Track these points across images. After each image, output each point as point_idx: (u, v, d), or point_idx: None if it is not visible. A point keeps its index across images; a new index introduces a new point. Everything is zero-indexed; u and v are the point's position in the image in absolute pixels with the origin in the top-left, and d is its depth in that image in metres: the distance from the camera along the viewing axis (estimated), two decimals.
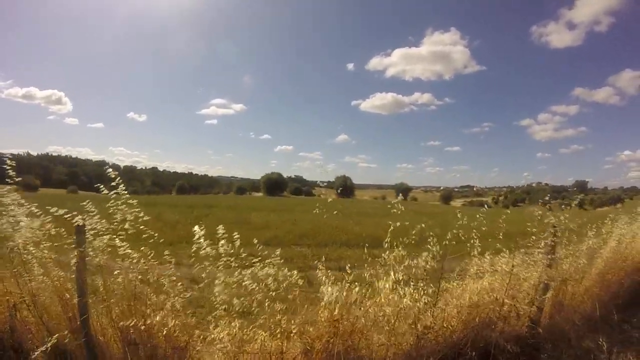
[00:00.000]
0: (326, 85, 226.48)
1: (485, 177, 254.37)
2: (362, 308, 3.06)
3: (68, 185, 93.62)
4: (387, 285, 3.10)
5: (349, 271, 3.13)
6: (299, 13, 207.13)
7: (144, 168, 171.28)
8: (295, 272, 2.93)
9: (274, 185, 74.52)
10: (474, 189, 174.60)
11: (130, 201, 3.01)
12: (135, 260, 2.88)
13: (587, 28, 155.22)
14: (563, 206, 5.04)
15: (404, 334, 3.22)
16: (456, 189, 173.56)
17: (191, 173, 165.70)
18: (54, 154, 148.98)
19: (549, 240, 3.93)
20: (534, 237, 3.97)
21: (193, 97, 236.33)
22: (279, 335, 2.87)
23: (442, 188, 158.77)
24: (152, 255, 2.96)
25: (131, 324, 2.74)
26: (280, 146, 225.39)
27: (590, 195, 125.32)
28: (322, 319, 2.99)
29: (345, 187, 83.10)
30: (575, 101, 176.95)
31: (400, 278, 3.12)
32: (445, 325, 3.40)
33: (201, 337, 3.00)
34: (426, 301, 3.21)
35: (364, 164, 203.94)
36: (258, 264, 2.86)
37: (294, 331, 2.92)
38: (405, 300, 3.08)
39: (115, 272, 2.91)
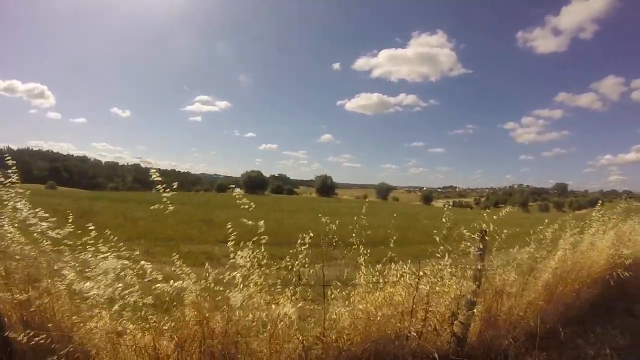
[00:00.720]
0: (312, 84, 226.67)
1: (468, 179, 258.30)
2: (240, 312, 2.81)
3: (53, 180, 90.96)
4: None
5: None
6: (286, 12, 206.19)
7: (126, 164, 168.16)
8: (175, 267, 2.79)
9: (254, 183, 73.71)
10: (457, 189, 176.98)
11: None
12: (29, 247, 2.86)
13: (572, 34, 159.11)
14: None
15: (289, 341, 2.94)
16: (439, 190, 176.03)
17: (174, 170, 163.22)
18: (35, 148, 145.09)
19: (476, 248, 3.49)
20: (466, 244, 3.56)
21: (178, 94, 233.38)
22: (152, 331, 2.77)
23: (425, 189, 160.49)
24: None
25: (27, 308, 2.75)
26: (265, 144, 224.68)
27: (570, 198, 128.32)
28: (189, 318, 2.83)
29: (325, 186, 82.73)
30: (558, 106, 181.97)
31: (260, 282, 2.81)
32: (337, 338, 3.06)
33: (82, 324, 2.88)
34: (312, 308, 3.00)
35: (348, 163, 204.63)
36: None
37: (165, 327, 2.81)
38: (285, 308, 2.79)
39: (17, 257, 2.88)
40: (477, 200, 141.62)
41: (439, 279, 3.39)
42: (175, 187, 3.11)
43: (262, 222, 2.86)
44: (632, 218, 6.77)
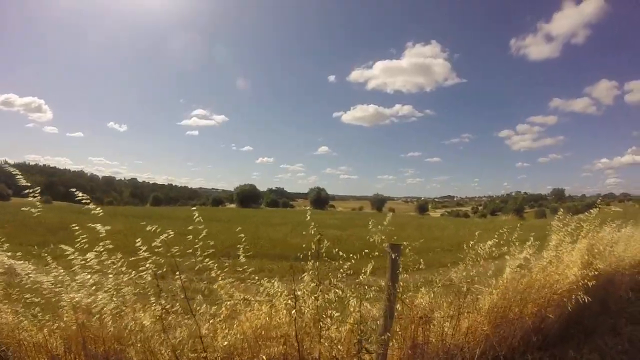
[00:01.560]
0: (308, 96, 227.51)
1: (466, 187, 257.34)
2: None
3: (45, 195, 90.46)
4: None
5: None
6: (281, 25, 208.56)
7: (122, 179, 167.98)
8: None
9: (247, 196, 73.25)
10: (455, 199, 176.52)
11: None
12: None
13: (564, 40, 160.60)
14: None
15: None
16: (437, 199, 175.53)
17: (171, 184, 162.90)
18: (31, 162, 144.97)
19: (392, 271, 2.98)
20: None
21: (175, 108, 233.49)
22: (43, 330, 2.83)
23: (422, 199, 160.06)
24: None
25: None
26: (262, 158, 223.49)
27: (567, 203, 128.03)
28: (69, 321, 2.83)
29: (319, 199, 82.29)
30: (553, 112, 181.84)
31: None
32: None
33: None
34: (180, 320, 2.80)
35: (345, 175, 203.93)
36: None
37: (54, 327, 2.84)
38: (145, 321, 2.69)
39: None
40: (475, 209, 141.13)
41: (335, 298, 2.91)
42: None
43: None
44: (611, 224, 6.08)
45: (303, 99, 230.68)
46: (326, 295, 2.84)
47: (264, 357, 2.71)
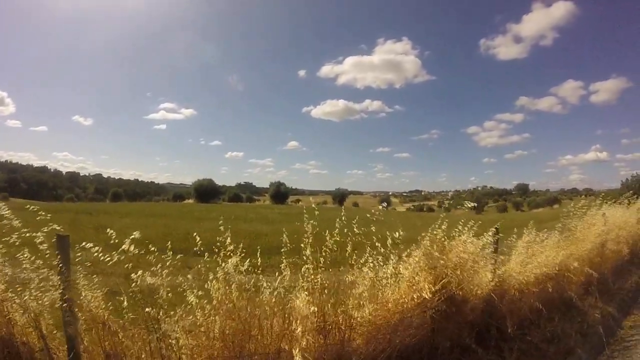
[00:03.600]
0: (277, 91, 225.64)
1: (434, 182, 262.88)
2: None
3: (6, 192, 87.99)
4: None
5: None
6: (251, 19, 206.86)
7: (87, 175, 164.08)
8: None
9: (206, 192, 74.11)
10: (422, 193, 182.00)
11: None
12: None
13: (532, 42, 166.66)
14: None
15: None
16: (405, 194, 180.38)
17: (137, 180, 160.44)
18: None
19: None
20: None
21: (141, 101, 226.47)
22: None
23: (390, 193, 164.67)
24: None
25: None
26: (231, 152, 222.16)
27: (532, 197, 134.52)
28: None
29: (279, 194, 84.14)
30: (520, 110, 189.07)
31: None
32: None
33: None
34: None
35: (315, 170, 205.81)
36: None
37: None
38: None
39: None
40: (441, 203, 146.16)
41: None
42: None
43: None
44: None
45: (272, 94, 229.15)
46: None
47: None
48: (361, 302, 3.38)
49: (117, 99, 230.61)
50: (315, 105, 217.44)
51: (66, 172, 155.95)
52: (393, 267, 3.62)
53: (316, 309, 3.14)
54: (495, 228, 4.48)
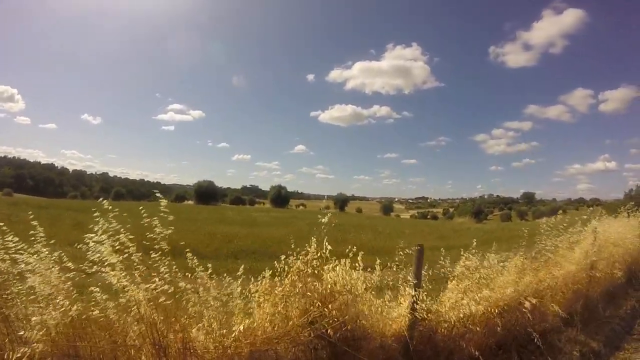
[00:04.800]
0: (285, 95, 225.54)
1: (440, 189, 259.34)
2: None
3: (11, 188, 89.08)
4: None
5: None
6: (261, 22, 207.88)
7: (94, 173, 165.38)
8: None
9: (205, 193, 73.59)
10: (428, 200, 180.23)
11: None
12: None
13: (542, 49, 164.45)
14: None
15: None
16: (411, 201, 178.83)
17: (143, 180, 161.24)
18: (1, 154, 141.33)
19: None
20: None
21: (150, 101, 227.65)
22: None
23: (396, 199, 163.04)
24: None
25: None
26: (238, 155, 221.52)
27: (538, 206, 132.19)
28: None
29: (279, 197, 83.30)
30: (528, 118, 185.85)
31: None
32: None
33: None
34: None
35: (322, 174, 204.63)
36: None
37: None
38: None
39: None
40: (446, 210, 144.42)
41: None
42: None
43: None
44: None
45: (281, 97, 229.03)
46: None
47: None
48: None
49: (127, 99, 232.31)
50: (324, 110, 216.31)
51: (73, 170, 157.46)
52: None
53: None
54: (418, 247, 3.53)
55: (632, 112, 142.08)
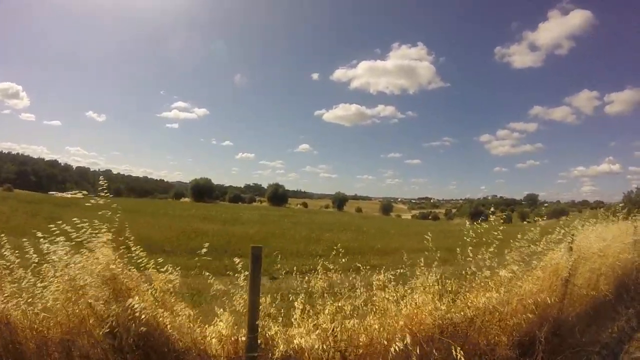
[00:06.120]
0: (290, 93, 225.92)
1: (443, 190, 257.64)
2: None
3: (12, 183, 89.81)
4: None
5: None
6: (266, 21, 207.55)
7: (97, 170, 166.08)
8: None
9: (202, 190, 73.16)
10: (431, 200, 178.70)
11: None
12: None
13: (548, 51, 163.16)
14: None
15: None
16: (413, 201, 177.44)
17: (147, 177, 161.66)
18: (6, 150, 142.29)
19: None
20: None
21: (155, 99, 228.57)
22: None
23: (399, 199, 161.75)
24: None
25: None
26: (242, 153, 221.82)
27: (539, 208, 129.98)
28: None
29: (277, 196, 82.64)
30: (533, 119, 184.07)
31: None
32: None
33: None
34: None
35: (325, 174, 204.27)
36: None
37: None
38: None
39: None
40: (449, 211, 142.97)
41: None
42: None
43: None
44: None
45: (285, 96, 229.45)
46: None
47: None
48: None
49: (131, 97, 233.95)
50: (328, 109, 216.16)
51: (76, 167, 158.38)
52: None
53: None
54: (253, 250, 2.88)
55: (637, 115, 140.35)
